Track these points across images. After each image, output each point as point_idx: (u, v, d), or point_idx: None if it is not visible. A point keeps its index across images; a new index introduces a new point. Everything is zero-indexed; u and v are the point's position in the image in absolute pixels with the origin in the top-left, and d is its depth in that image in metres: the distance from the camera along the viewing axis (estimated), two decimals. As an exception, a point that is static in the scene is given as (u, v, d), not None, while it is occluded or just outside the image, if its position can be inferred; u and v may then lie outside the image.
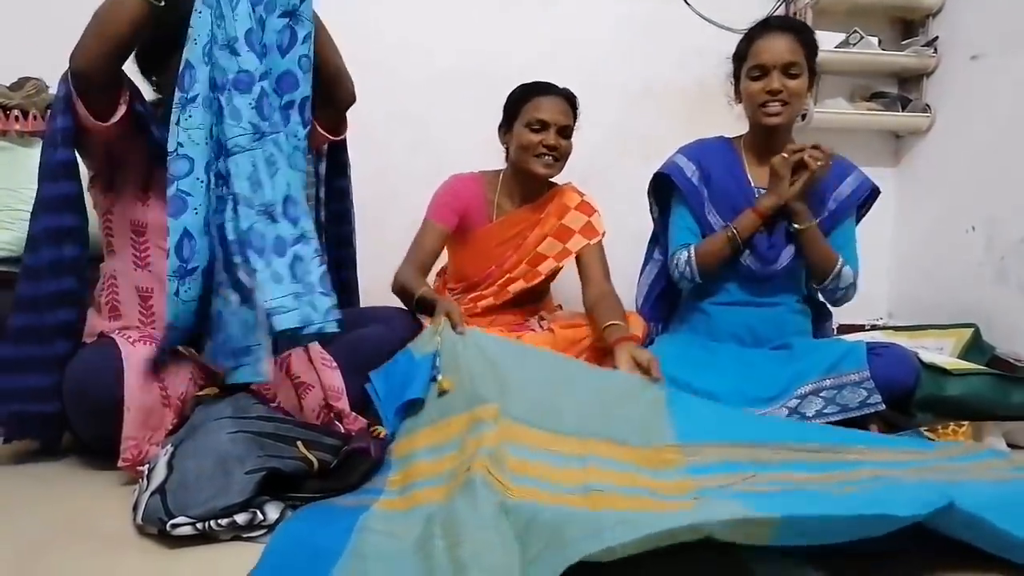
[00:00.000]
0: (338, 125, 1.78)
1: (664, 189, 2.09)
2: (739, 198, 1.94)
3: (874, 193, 1.99)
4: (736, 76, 1.95)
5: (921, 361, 1.74)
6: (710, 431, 1.49)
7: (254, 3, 1.34)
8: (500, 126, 2.18)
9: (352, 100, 1.74)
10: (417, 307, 1.92)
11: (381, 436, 1.44)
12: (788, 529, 0.94)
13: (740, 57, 1.92)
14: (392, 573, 1.01)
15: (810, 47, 1.87)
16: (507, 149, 2.18)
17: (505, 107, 2.15)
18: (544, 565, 0.93)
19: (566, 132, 2.09)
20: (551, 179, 2.16)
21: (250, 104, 1.33)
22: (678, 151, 2.07)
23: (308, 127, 1.44)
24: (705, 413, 1.59)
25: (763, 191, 1.92)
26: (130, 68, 1.50)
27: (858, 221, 2.04)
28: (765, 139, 1.94)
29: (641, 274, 2.22)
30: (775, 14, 1.94)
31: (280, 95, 1.38)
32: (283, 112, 1.38)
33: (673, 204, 2.07)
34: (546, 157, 2.06)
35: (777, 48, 1.83)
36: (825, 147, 1.80)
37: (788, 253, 1.92)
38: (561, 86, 2.13)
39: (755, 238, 1.90)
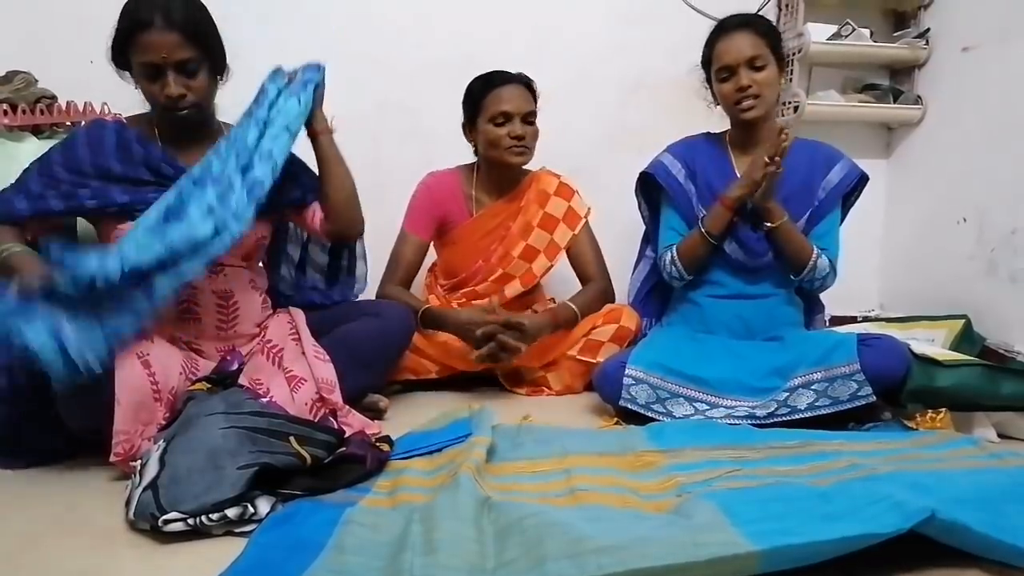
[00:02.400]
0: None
1: (652, 188, 2.10)
2: (724, 191, 1.93)
3: (863, 180, 2.00)
4: (709, 80, 1.99)
5: (912, 352, 1.75)
6: (689, 439, 1.52)
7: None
8: (463, 124, 2.17)
9: (356, 236, 1.89)
10: (423, 323, 2.00)
11: (383, 450, 1.43)
12: (773, 558, 0.95)
13: (706, 62, 1.97)
14: (370, 564, 1.01)
15: (770, 36, 1.90)
16: (474, 145, 2.17)
17: (464, 105, 2.14)
18: (516, 575, 0.94)
19: (530, 118, 2.09)
20: (524, 166, 2.17)
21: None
22: (665, 149, 2.08)
23: (255, 200, 1.56)
24: (681, 427, 1.63)
25: None
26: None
27: (849, 209, 2.05)
28: (747, 133, 1.97)
29: (633, 271, 2.23)
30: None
31: (243, 177, 1.56)
32: (240, 191, 1.55)
33: (662, 205, 2.08)
34: (516, 148, 2.06)
35: (737, 46, 1.87)
36: (784, 131, 1.80)
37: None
38: (515, 71, 2.12)
39: (741, 231, 1.91)
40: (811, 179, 1.94)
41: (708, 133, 2.08)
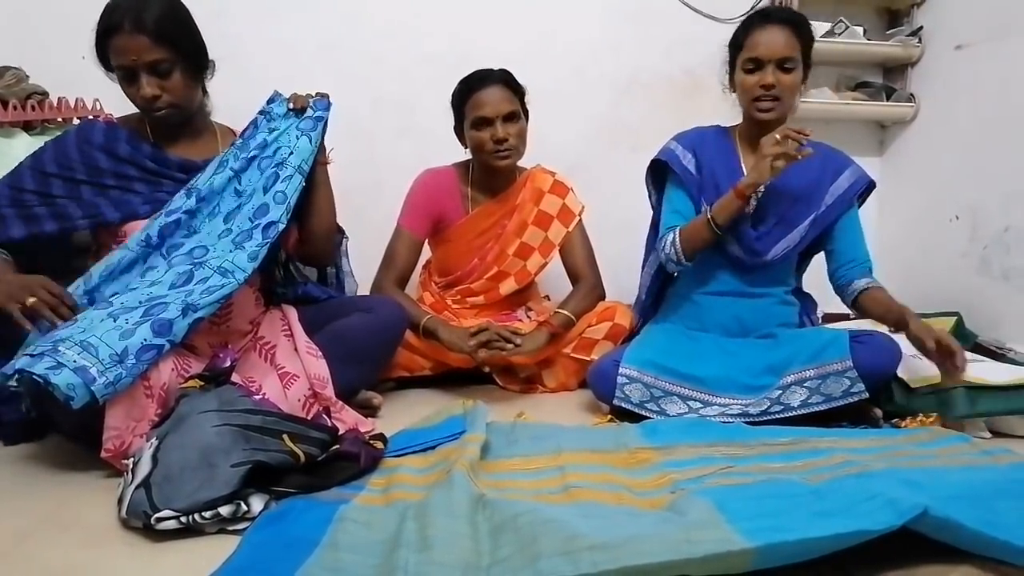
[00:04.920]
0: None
1: (661, 176, 2.06)
2: (729, 187, 1.92)
3: (870, 187, 1.98)
4: (731, 64, 1.92)
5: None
6: (683, 436, 1.52)
7: (259, 164, 1.70)
8: (454, 127, 2.15)
9: (327, 262, 2.00)
10: (424, 334, 2.00)
11: (377, 448, 1.43)
12: (767, 555, 0.95)
13: (736, 46, 1.88)
14: (365, 562, 1.01)
15: (807, 41, 1.84)
16: (467, 146, 2.16)
17: (452, 109, 2.13)
18: (511, 572, 0.94)
19: (512, 117, 2.05)
20: (518, 163, 2.15)
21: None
22: (673, 138, 2.03)
23: (268, 241, 1.64)
24: (675, 424, 1.64)
25: None
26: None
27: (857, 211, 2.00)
28: (759, 131, 1.91)
29: (643, 265, 2.14)
30: (774, 4, 1.85)
31: (254, 221, 1.65)
32: (251, 231, 1.64)
33: (668, 187, 2.04)
34: (500, 151, 2.04)
35: (774, 42, 1.80)
36: (806, 131, 1.75)
37: (781, 247, 1.91)
38: (497, 68, 2.09)
39: (742, 230, 1.89)
40: (821, 181, 1.92)
41: (718, 126, 2.03)
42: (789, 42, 1.81)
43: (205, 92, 1.77)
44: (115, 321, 1.41)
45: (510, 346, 1.90)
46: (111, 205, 1.64)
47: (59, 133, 2.03)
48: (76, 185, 1.64)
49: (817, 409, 1.68)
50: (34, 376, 1.27)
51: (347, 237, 2.03)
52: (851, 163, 1.97)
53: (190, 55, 1.63)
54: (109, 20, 1.55)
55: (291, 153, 1.71)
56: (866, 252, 1.96)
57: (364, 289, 2.15)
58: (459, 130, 2.13)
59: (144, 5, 1.55)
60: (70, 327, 1.40)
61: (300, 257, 1.94)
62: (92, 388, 1.29)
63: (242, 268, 1.59)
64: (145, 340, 1.39)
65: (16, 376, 1.30)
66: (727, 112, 2.02)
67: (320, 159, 1.80)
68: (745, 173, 1.91)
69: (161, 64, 1.58)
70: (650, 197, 2.14)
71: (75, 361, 1.30)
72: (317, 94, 1.78)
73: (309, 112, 1.75)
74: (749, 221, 1.91)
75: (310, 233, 1.84)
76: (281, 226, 1.65)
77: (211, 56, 1.71)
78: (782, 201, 1.90)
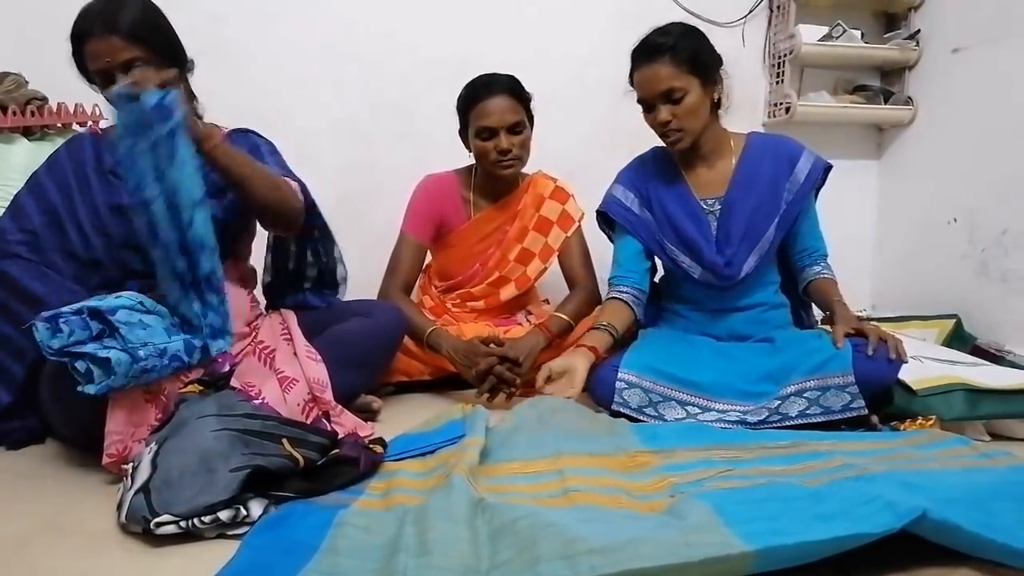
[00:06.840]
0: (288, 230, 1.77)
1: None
2: (684, 217, 1.92)
3: (828, 170, 1.95)
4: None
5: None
6: (682, 440, 1.52)
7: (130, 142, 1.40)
8: (459, 131, 2.15)
9: (296, 226, 1.73)
10: (428, 347, 2.00)
11: (376, 452, 1.43)
12: (766, 558, 0.95)
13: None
14: (364, 566, 1.01)
15: (691, 59, 1.77)
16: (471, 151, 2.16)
17: (457, 113, 2.12)
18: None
19: (517, 128, 2.04)
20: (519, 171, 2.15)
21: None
22: (616, 180, 2.05)
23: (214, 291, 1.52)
24: (674, 428, 1.64)
25: (710, 201, 1.92)
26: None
27: (815, 196, 1.99)
28: (690, 151, 1.91)
29: None
30: (652, 32, 1.77)
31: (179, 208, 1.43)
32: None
33: (616, 234, 2.05)
34: (504, 161, 2.04)
35: (650, 80, 1.78)
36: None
37: (753, 260, 1.90)
38: (503, 75, 2.07)
39: (709, 260, 1.89)
40: (776, 181, 1.90)
41: (656, 147, 2.03)
42: (668, 73, 1.76)
43: (193, 97, 1.72)
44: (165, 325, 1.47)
45: (513, 389, 1.91)
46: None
47: (59, 137, 2.05)
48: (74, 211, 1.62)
49: (815, 420, 1.67)
50: (74, 363, 1.30)
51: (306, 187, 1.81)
52: (802, 149, 1.93)
53: (165, 52, 1.60)
54: (80, 26, 1.55)
55: (175, 192, 1.42)
56: (821, 240, 1.97)
57: (364, 290, 2.14)
58: (464, 135, 2.13)
59: (114, 7, 1.54)
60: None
61: (272, 232, 1.83)
62: (135, 366, 1.33)
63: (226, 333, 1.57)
64: (178, 351, 1.44)
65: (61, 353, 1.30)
66: (726, 113, 2.01)
67: (203, 142, 1.48)
68: (691, 187, 1.94)
69: (135, 63, 1.55)
70: (611, 240, 2.13)
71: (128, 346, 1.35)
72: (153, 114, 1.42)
73: (155, 136, 1.40)
74: (714, 250, 1.90)
75: (262, 212, 1.66)
76: (219, 272, 1.52)
77: (189, 55, 1.67)
78: (742, 217, 1.89)
